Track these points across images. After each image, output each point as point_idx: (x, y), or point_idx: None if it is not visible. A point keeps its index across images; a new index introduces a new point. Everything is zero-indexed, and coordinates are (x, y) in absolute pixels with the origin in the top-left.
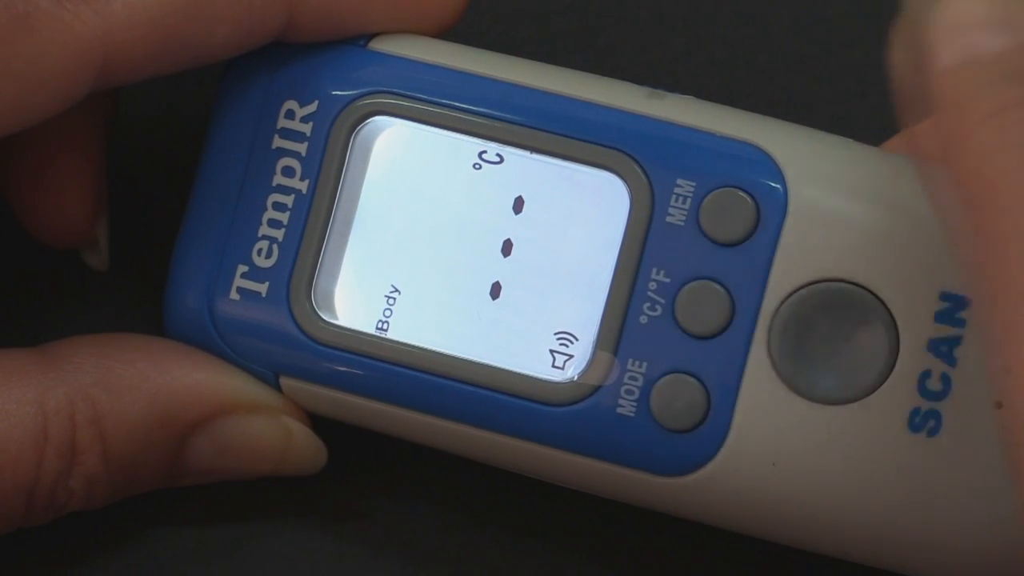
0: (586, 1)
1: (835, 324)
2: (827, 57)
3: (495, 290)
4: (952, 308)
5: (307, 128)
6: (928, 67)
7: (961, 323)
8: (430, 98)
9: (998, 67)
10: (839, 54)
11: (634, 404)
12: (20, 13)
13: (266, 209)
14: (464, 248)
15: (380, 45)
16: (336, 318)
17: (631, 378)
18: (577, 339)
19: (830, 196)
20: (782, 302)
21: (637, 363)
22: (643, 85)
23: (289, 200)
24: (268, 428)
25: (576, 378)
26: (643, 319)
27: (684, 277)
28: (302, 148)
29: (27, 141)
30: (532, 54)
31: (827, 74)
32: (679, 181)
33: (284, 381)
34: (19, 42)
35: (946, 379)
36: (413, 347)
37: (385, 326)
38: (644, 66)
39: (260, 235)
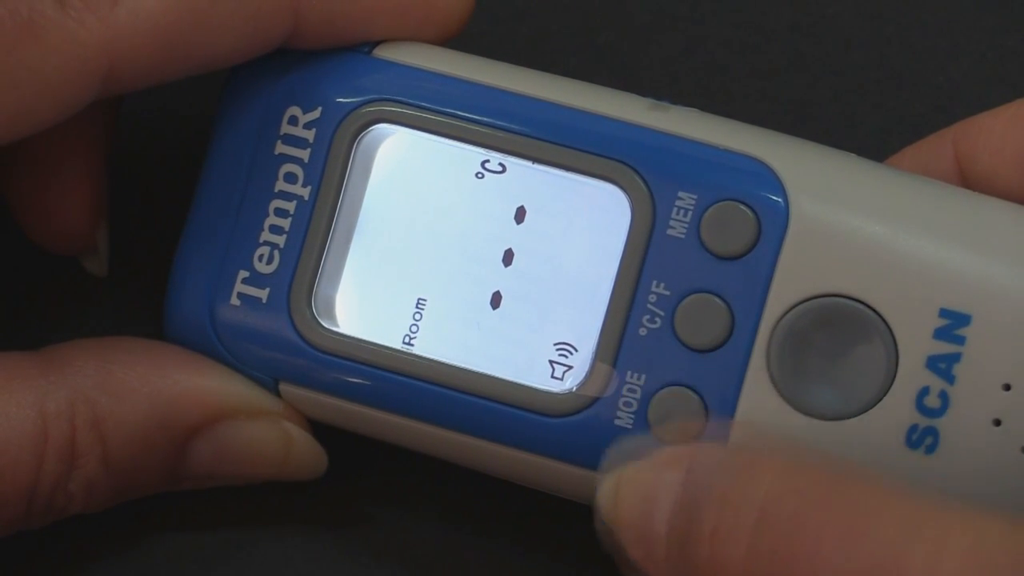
0: (586, 1)
1: (834, 339)
2: (827, 57)
3: (495, 300)
4: (952, 325)
5: (310, 135)
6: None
7: (960, 340)
8: (434, 106)
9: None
10: (839, 54)
11: (632, 416)
12: (25, 21)
13: (268, 215)
14: (465, 257)
15: (384, 52)
16: (336, 325)
17: (629, 390)
18: (576, 350)
19: (831, 211)
20: (782, 316)
21: (636, 375)
22: (646, 93)
23: (291, 206)
24: (269, 433)
25: (575, 389)
26: (642, 331)
27: (684, 290)
28: (305, 154)
29: (29, 147)
30: (532, 54)
31: (827, 74)
32: (680, 194)
33: (283, 387)
34: (23, 50)
35: (944, 396)
36: (412, 355)
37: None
38: (644, 66)
39: (262, 241)
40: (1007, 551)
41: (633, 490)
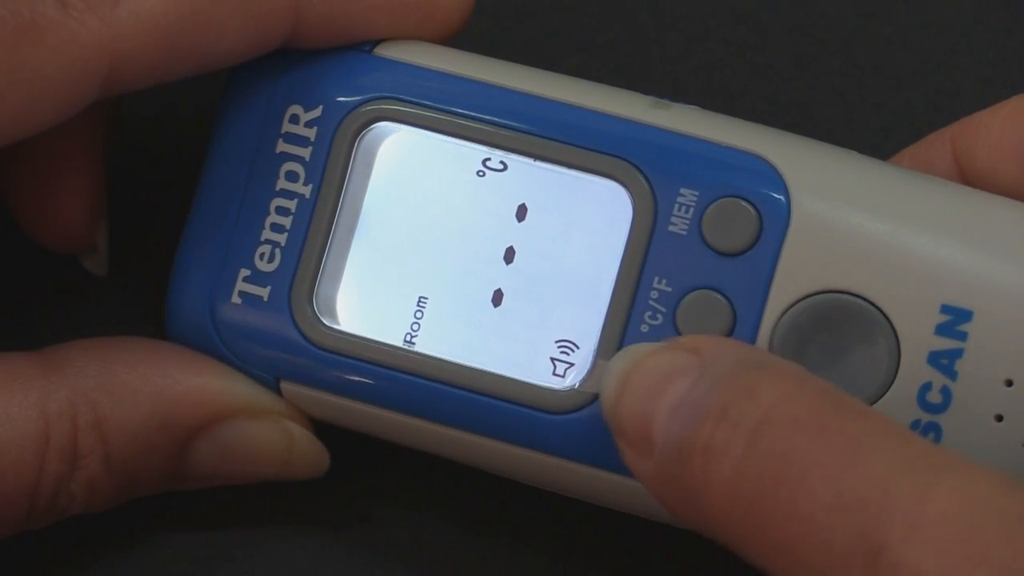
0: (586, 1)
1: (836, 336)
2: (827, 57)
3: (497, 297)
4: (953, 321)
5: (311, 133)
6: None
7: (962, 336)
8: (435, 104)
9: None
10: (839, 54)
11: None
12: (27, 21)
13: (269, 213)
14: (467, 255)
15: (385, 51)
16: (338, 323)
17: None
18: (578, 347)
19: (833, 208)
20: (783, 313)
21: None
22: (647, 91)
23: (292, 205)
24: (270, 432)
25: (576, 386)
26: (644, 328)
27: (686, 286)
28: (306, 153)
29: (29, 147)
30: (532, 54)
31: (827, 74)
32: (682, 190)
33: (285, 386)
34: (25, 50)
35: (947, 392)
36: (413, 353)
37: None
38: (644, 66)
39: (263, 239)
40: (996, 507)
41: (640, 384)
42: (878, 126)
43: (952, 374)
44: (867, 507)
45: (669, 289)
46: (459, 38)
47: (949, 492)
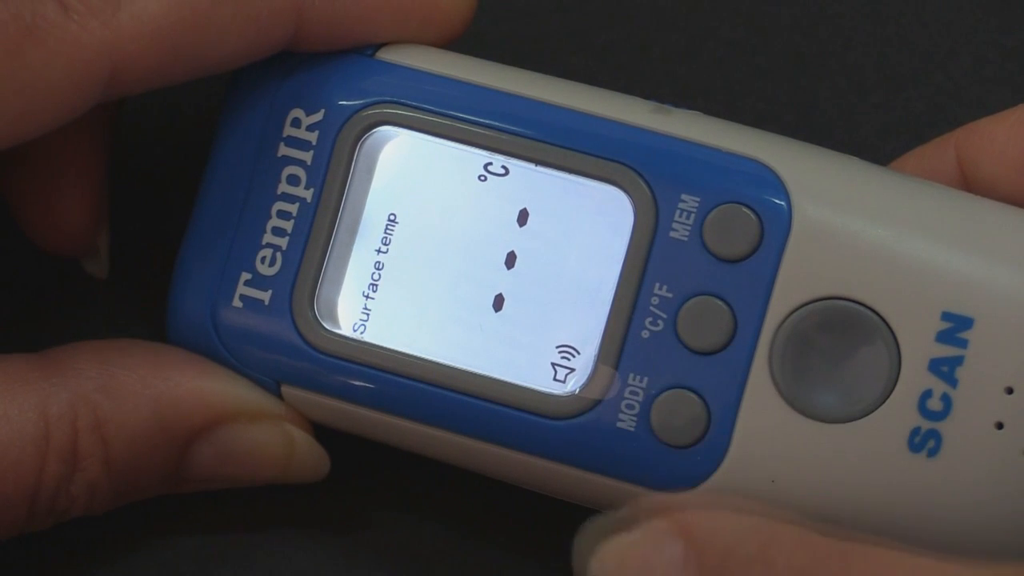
0: (586, 1)
1: (837, 342)
2: (827, 57)
3: (498, 302)
4: (954, 328)
5: (313, 137)
6: None
7: (963, 343)
8: (436, 109)
9: None
10: (839, 54)
11: (634, 419)
12: (28, 24)
13: (270, 217)
14: (468, 259)
15: (387, 55)
16: (338, 327)
17: (632, 393)
18: (579, 352)
19: (834, 214)
20: (784, 319)
21: (638, 378)
22: (647, 92)
23: (293, 209)
24: (270, 436)
25: (577, 391)
26: (645, 334)
27: (687, 292)
28: (307, 157)
29: (31, 149)
30: (532, 54)
31: (827, 74)
32: (683, 196)
33: (286, 389)
34: (26, 53)
35: (947, 399)
36: (414, 358)
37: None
38: (644, 66)
39: (264, 243)
40: None
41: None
42: (878, 126)
43: (952, 381)
44: None
45: (670, 295)
46: (459, 39)
47: None
